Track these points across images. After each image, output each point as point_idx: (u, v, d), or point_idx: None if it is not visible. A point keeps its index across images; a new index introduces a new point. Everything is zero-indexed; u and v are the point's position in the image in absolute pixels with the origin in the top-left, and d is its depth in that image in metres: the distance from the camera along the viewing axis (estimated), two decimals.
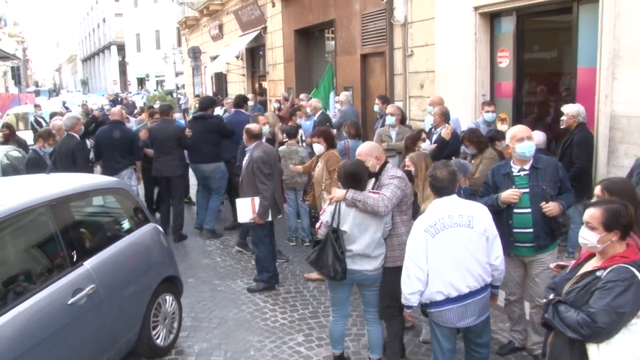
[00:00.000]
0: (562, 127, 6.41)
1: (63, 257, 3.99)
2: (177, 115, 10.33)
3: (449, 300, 3.74)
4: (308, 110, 9.65)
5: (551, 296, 3.04)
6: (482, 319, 3.88)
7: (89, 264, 4.16)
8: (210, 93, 23.42)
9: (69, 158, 7.65)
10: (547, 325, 3.07)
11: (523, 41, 7.71)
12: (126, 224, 5.04)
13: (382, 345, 4.62)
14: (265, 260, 6.41)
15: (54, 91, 70.89)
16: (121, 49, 60.80)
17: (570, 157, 6.17)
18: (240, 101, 9.92)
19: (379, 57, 10.75)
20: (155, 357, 4.96)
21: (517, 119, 7.90)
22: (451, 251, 3.71)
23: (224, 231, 8.86)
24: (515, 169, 4.47)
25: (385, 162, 4.48)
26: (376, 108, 9.20)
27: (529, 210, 4.38)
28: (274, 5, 15.16)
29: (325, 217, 4.34)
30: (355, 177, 4.22)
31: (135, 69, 57.08)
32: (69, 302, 3.82)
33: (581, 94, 6.73)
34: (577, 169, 6.07)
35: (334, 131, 8.31)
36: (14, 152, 9.03)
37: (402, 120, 8.16)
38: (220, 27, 21.27)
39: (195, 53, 24.73)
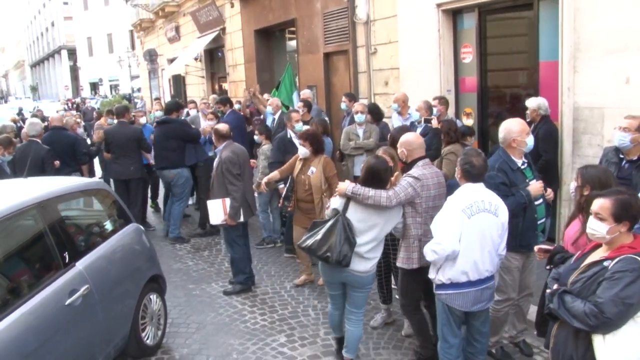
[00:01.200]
0: (527, 120, 6.56)
1: (56, 259, 3.97)
2: (143, 120, 10.03)
3: (469, 283, 3.85)
4: (270, 109, 9.55)
5: (555, 286, 3.06)
6: (490, 305, 4.08)
7: (80, 264, 4.16)
8: (168, 96, 23.09)
9: (37, 166, 7.35)
10: (551, 315, 3.08)
11: (485, 37, 7.85)
12: (111, 225, 5.06)
13: (357, 346, 4.64)
14: (240, 262, 6.35)
15: (1, 98, 68.64)
16: (72, 53, 59.40)
17: (537, 150, 6.31)
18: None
19: (343, 55, 10.78)
20: (144, 356, 4.94)
21: (481, 113, 8.06)
22: (480, 234, 3.83)
23: (194, 236, 8.73)
24: (518, 162, 4.47)
25: (419, 159, 4.43)
26: (343, 106, 9.19)
27: (540, 200, 4.48)
28: (232, 6, 15.03)
29: (335, 202, 4.30)
30: (376, 175, 4.20)
31: (88, 73, 55.85)
32: (66, 303, 3.80)
33: (544, 87, 6.90)
34: (544, 162, 6.22)
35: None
36: None
37: (379, 117, 8.14)
38: (177, 28, 20.96)
39: (151, 56, 24.32)
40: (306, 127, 6.83)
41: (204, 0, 17.26)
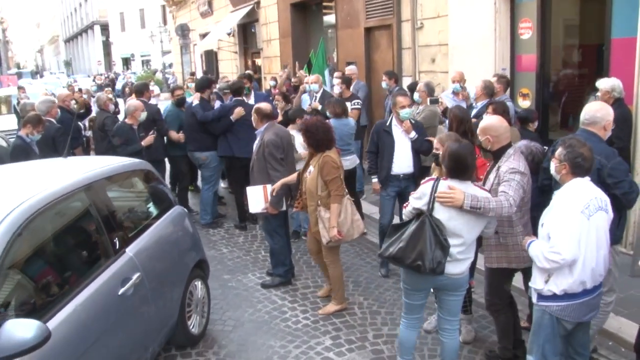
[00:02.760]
0: None
1: (107, 245, 3.67)
2: (163, 96, 9.48)
3: (584, 292, 3.35)
4: (315, 86, 8.90)
5: None
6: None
7: (130, 251, 3.85)
8: (200, 72, 22.68)
9: (49, 145, 6.99)
10: None
11: (550, 11, 7.16)
12: (157, 207, 4.73)
13: (457, 356, 4.08)
14: (280, 253, 5.88)
15: (37, 73, 69.28)
16: (105, 28, 59.41)
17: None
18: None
19: (385, 30, 10.15)
20: (190, 345, 4.69)
21: (541, 95, 7.41)
22: (597, 236, 3.33)
23: (226, 219, 8.31)
24: None
25: (508, 146, 3.93)
26: (384, 84, 8.65)
27: None
28: None
29: (416, 198, 3.69)
30: (461, 163, 3.59)
31: (120, 48, 55.89)
32: (119, 293, 3.51)
33: (616, 68, 6.22)
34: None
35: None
36: None
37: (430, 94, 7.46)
38: (210, 3, 20.45)
39: (183, 31, 23.94)
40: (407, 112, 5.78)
41: None
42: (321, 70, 10.59)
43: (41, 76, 57.58)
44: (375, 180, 5.96)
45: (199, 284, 4.91)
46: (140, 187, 4.86)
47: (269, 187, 5.59)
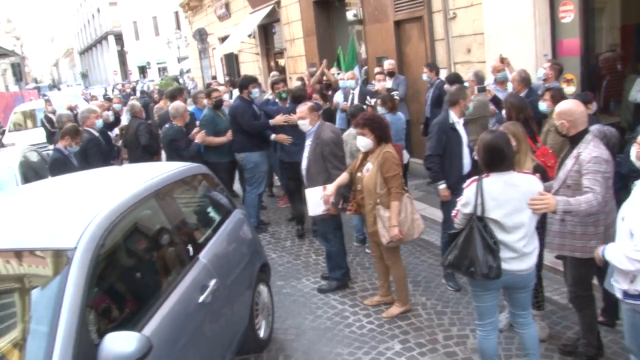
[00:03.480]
0: None
1: (183, 252, 3.63)
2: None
3: None
4: (352, 82, 8.74)
5: None
6: None
7: (203, 257, 3.78)
8: (221, 75, 22.65)
9: (80, 156, 6.90)
10: None
11: None
12: (220, 212, 4.68)
13: (538, 345, 3.98)
14: (338, 256, 5.77)
15: (54, 86, 69.98)
16: (119, 38, 59.72)
17: None
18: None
19: (416, 23, 9.96)
20: (258, 351, 4.64)
21: (587, 80, 7.18)
22: None
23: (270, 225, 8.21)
24: None
25: (585, 132, 3.81)
26: (425, 77, 8.52)
27: None
28: None
29: (464, 203, 3.61)
30: (498, 154, 3.51)
31: (136, 57, 56.11)
32: (199, 301, 3.44)
33: None
34: None
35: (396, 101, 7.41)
36: (32, 152, 8.27)
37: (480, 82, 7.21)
38: (227, 5, 20.37)
39: (201, 35, 23.90)
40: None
41: None
42: (351, 68, 10.49)
43: (58, 89, 58.14)
44: (443, 186, 5.34)
45: (263, 287, 4.83)
46: (202, 191, 4.80)
47: (329, 187, 5.33)
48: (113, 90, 35.53)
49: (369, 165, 4.93)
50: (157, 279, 3.37)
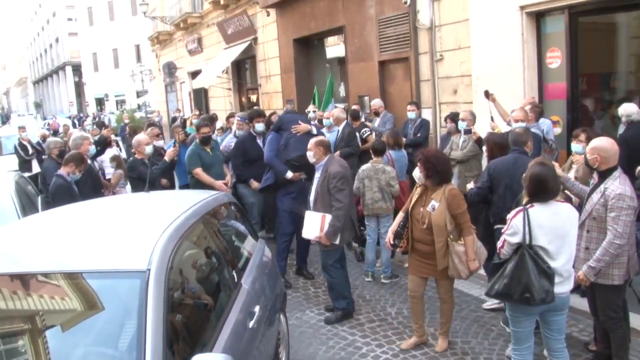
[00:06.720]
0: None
1: (231, 276, 3.62)
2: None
3: None
4: (329, 121, 8.90)
5: None
6: None
7: (245, 283, 3.75)
8: (188, 110, 22.56)
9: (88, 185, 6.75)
10: None
11: (577, 40, 7.35)
12: (250, 240, 4.67)
13: None
14: (340, 286, 5.79)
15: (4, 116, 67.95)
16: (76, 69, 58.86)
17: None
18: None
19: (401, 63, 10.29)
20: None
21: (572, 122, 7.54)
22: None
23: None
24: None
25: (614, 168, 4.03)
26: (412, 115, 8.73)
27: None
28: (268, 15, 14.55)
29: (512, 232, 3.72)
30: (543, 186, 3.68)
31: (93, 89, 55.29)
32: (250, 326, 3.41)
33: None
34: None
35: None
36: (22, 178, 7.95)
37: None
38: (199, 40, 20.49)
39: (170, 69, 23.91)
40: None
41: (232, 11, 16.82)
42: (326, 105, 10.72)
43: (8, 118, 56.29)
44: None
45: (282, 317, 4.80)
46: (233, 219, 4.77)
47: (328, 217, 5.52)
48: (75, 123, 34.89)
49: (434, 203, 4.77)
50: (216, 301, 3.32)
